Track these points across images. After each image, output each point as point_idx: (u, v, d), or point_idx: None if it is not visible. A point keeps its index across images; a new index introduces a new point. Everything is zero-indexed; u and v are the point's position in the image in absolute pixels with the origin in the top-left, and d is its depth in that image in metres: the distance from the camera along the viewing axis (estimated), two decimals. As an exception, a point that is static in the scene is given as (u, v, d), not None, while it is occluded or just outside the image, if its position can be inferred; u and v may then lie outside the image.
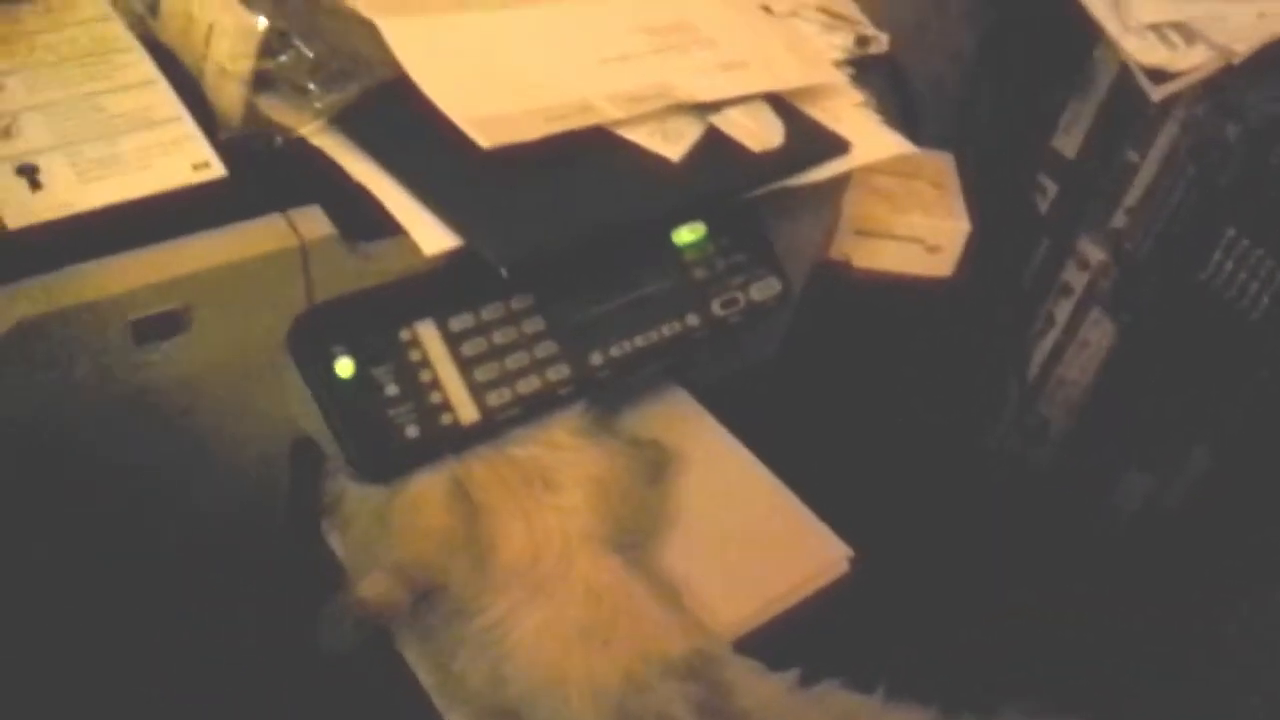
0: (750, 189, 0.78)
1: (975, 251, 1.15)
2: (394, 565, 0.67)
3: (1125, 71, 1.08)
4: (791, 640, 0.76)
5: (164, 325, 0.60)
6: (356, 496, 0.71)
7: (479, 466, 0.70)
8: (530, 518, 0.69)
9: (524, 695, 0.65)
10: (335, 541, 0.74)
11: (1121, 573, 1.13)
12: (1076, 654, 1.02)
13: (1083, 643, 1.04)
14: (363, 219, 0.65)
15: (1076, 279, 1.20)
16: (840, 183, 0.89)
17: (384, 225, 0.65)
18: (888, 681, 0.71)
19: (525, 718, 0.65)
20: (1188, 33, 1.01)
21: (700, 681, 0.66)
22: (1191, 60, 1.01)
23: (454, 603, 0.67)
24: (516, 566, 0.68)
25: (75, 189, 0.61)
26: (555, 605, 0.67)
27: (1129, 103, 1.11)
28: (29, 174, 0.61)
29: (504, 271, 0.63)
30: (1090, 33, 1.09)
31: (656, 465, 0.81)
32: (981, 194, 1.19)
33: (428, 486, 0.69)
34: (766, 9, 0.89)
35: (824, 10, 0.91)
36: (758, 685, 0.69)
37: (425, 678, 0.69)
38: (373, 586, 0.67)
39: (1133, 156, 1.13)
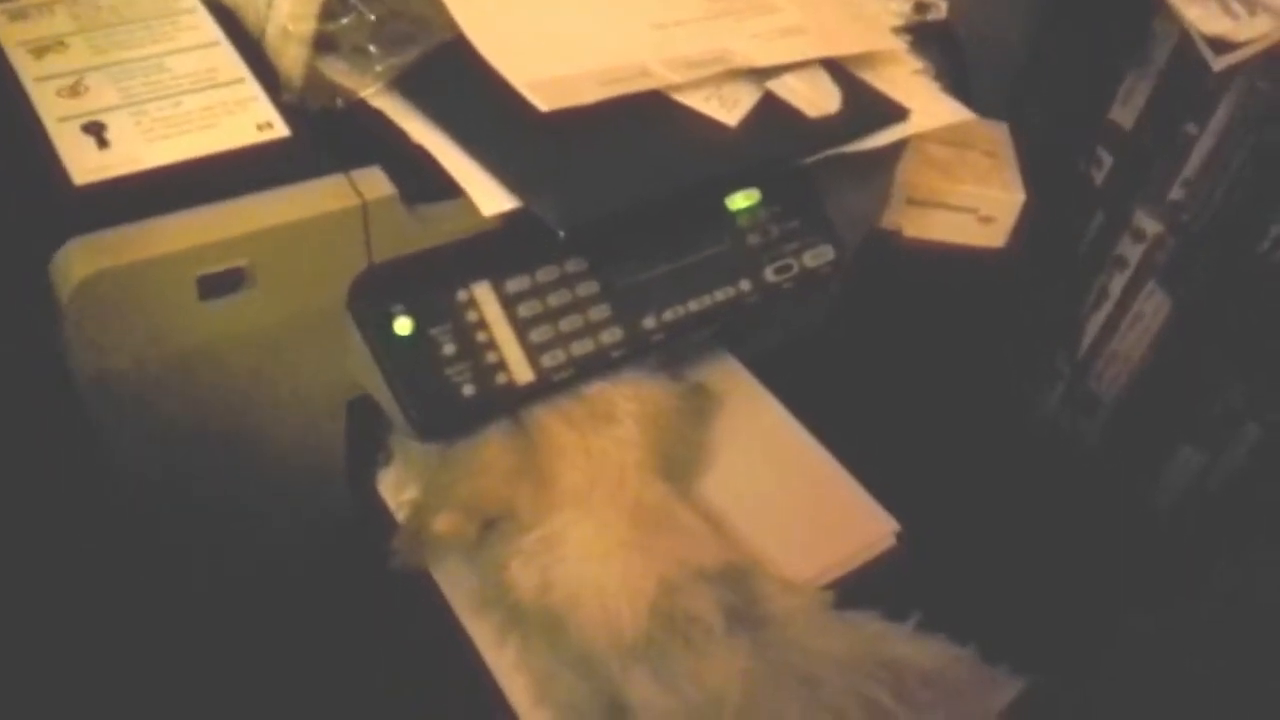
0: (806, 155, 0.77)
1: (1029, 223, 1.14)
2: (462, 501, 0.71)
3: (1184, 42, 1.06)
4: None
5: (228, 281, 0.61)
6: (420, 448, 0.74)
7: (539, 403, 0.73)
8: (590, 447, 0.73)
9: (567, 598, 0.68)
10: (388, 494, 0.76)
11: (1169, 549, 1.12)
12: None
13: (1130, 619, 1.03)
14: (422, 180, 0.65)
15: (1131, 252, 1.18)
16: (896, 150, 0.89)
17: (443, 187, 0.65)
18: (923, 616, 0.71)
19: (565, 620, 0.68)
20: (1250, 3, 0.99)
21: (731, 588, 0.69)
22: (1254, 30, 0.99)
23: (516, 525, 0.71)
24: (576, 492, 0.71)
25: (141, 146, 0.62)
26: (605, 520, 0.70)
27: (1188, 74, 1.10)
28: (96, 132, 0.62)
29: (561, 234, 0.64)
30: (1150, 2, 1.08)
31: (702, 408, 0.84)
32: (1037, 165, 1.18)
33: (490, 426, 0.72)
34: (824, -26, 0.88)
35: (882, -24, 0.90)
36: (787, 597, 0.71)
37: (457, 593, 0.72)
38: (445, 522, 0.70)
39: (1191, 128, 1.12)
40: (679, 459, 0.78)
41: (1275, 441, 1.10)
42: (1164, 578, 1.09)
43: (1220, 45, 1.01)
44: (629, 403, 0.75)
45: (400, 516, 0.74)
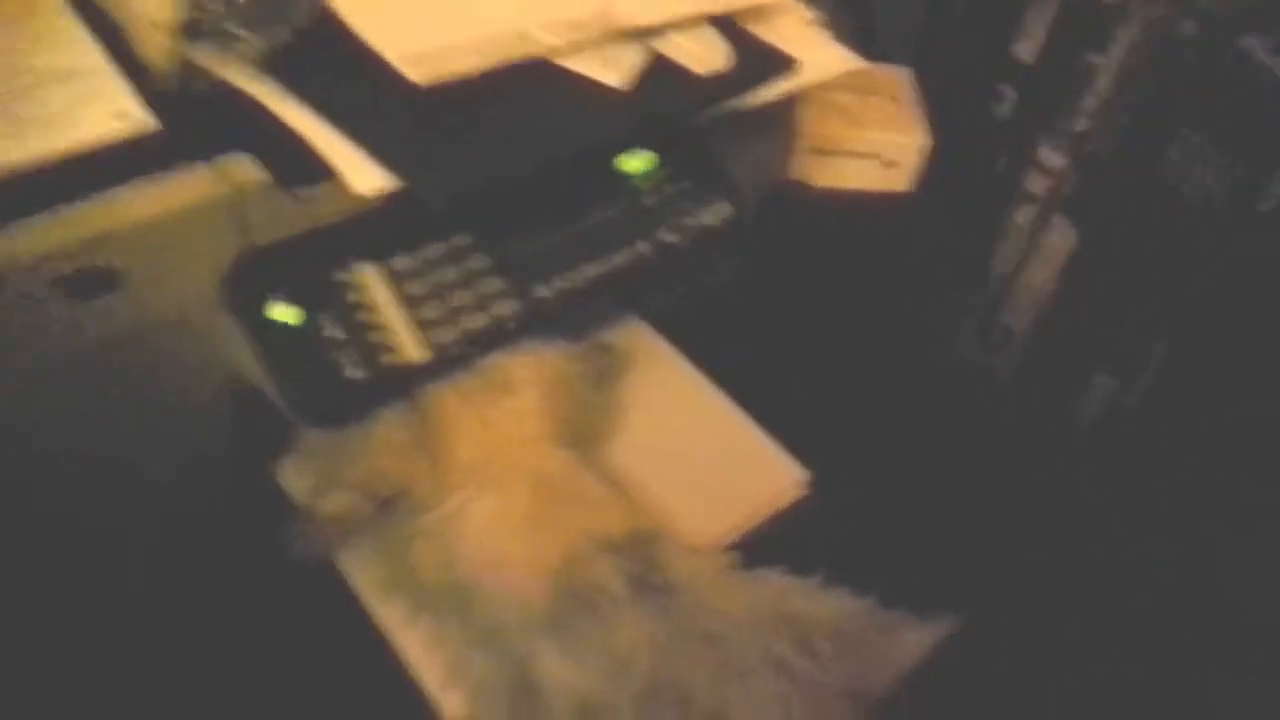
0: (696, 113, 0.77)
1: (936, 164, 1.14)
2: (354, 480, 0.70)
3: (1082, -28, 1.07)
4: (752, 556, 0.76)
5: (98, 281, 0.60)
6: (318, 434, 0.73)
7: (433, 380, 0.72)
8: (486, 420, 0.72)
9: (471, 575, 0.68)
10: (289, 482, 0.75)
11: (1087, 475, 1.15)
12: (1044, 561, 1.04)
13: (1049, 549, 1.05)
14: (297, 164, 0.64)
15: (1037, 185, 1.19)
16: (791, 102, 0.88)
17: (319, 169, 0.64)
18: (827, 570, 0.72)
19: (471, 597, 0.68)
20: (1140, -69, 0.99)
21: (634, 556, 0.69)
22: (1145, -41, 1.00)
23: (413, 503, 0.70)
24: (473, 465, 0.71)
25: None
26: (506, 495, 0.70)
27: (1087, 4, 1.10)
28: (-51, 134, 0.61)
29: (440, 209, 0.63)
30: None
31: (605, 369, 0.83)
32: (941, 106, 1.18)
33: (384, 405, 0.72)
34: (708, -74, 0.87)
35: (767, -75, 0.89)
36: (691, 560, 0.71)
37: (363, 578, 0.71)
38: (334, 503, 0.70)
39: (1093, 58, 1.12)
40: (582, 424, 0.78)
41: (1182, 358, 1.12)
42: (1085, 503, 1.12)
43: (1114, -26, 1.01)
44: (526, 371, 0.74)
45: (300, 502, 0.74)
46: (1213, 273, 1.06)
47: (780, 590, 0.71)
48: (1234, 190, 1.02)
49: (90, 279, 0.59)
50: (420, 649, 0.68)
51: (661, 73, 0.76)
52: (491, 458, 0.71)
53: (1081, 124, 1.15)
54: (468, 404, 0.72)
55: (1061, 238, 1.18)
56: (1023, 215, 1.21)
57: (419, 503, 0.70)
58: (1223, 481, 1.08)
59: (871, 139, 1.11)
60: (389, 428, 0.70)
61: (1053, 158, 1.17)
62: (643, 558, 0.69)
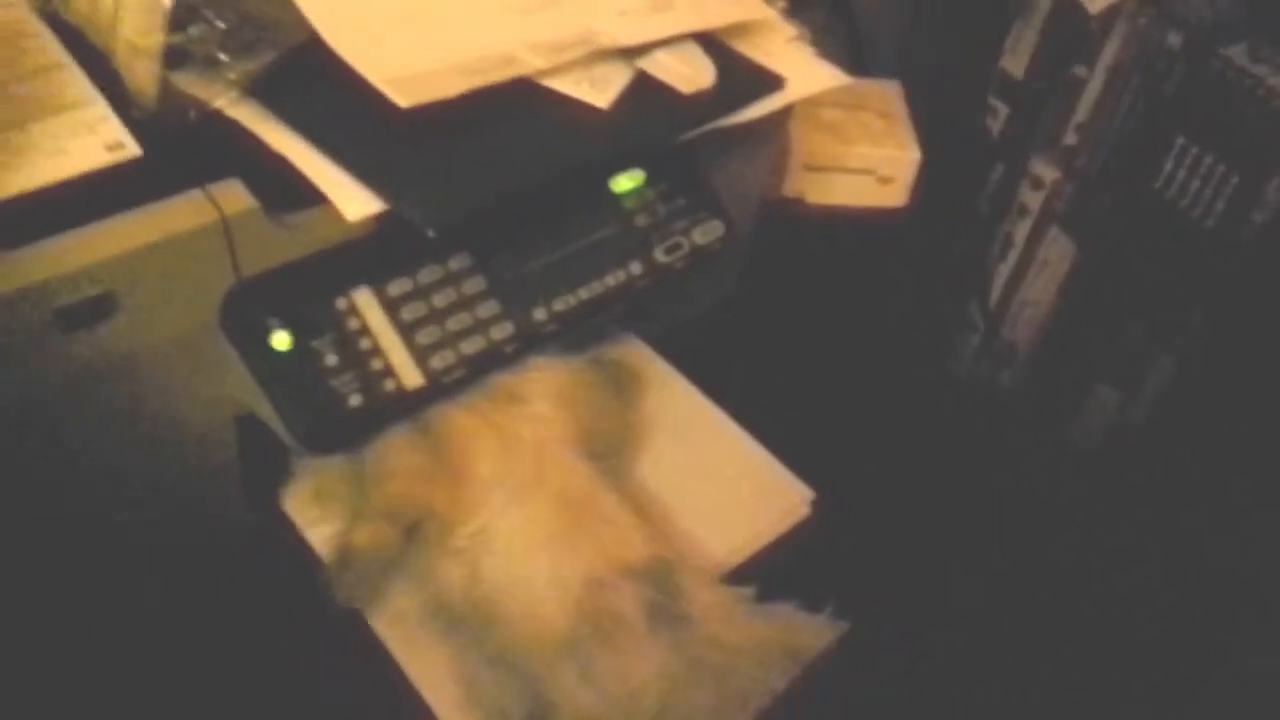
0: (683, 132, 0.76)
1: (929, 179, 1.14)
2: (377, 510, 0.69)
3: (1066, -15, 1.07)
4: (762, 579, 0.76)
5: (91, 310, 0.59)
6: (323, 461, 0.72)
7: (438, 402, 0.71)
8: (501, 430, 0.71)
9: (494, 592, 0.67)
10: (294, 511, 0.74)
11: (1093, 490, 1.14)
12: (1053, 580, 1.03)
13: (1059, 568, 1.04)
14: (286, 189, 0.63)
15: (1032, 199, 1.19)
16: (779, 119, 0.88)
17: (308, 194, 0.64)
18: (838, 603, 0.71)
19: (494, 614, 0.67)
20: (1123, -58, 1.00)
21: (654, 584, 0.68)
22: (1127, -30, 1.00)
23: (440, 523, 0.69)
24: (494, 477, 0.70)
25: (-12, 179, 0.60)
26: (530, 511, 0.69)
27: (1073, 17, 1.10)
28: (-60, 167, 0.60)
29: (430, 234, 0.62)
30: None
31: (620, 381, 0.82)
32: (933, 120, 1.18)
33: (390, 430, 0.70)
34: (692, -54, 0.87)
35: (752, -56, 0.89)
36: (707, 593, 0.70)
37: (394, 633, 0.69)
38: (362, 534, 0.69)
39: (1080, 71, 1.13)
40: (603, 433, 0.76)
41: (1187, 370, 1.11)
42: (1091, 518, 1.11)
43: (1097, -13, 1.02)
44: (535, 384, 0.73)
45: (310, 534, 0.72)
46: (1215, 283, 1.06)
47: (788, 625, 0.70)
48: (1231, 200, 1.02)
49: (85, 308, 0.58)
50: (442, 669, 0.67)
51: (648, 92, 0.76)
52: (512, 470, 0.69)
53: (1071, 137, 1.15)
54: (480, 418, 0.71)
55: (1058, 251, 1.18)
56: (1020, 229, 1.21)
57: (444, 524, 0.68)
58: (1230, 495, 1.08)
59: (864, 154, 1.11)
60: (402, 452, 0.69)
61: (1046, 171, 1.17)
62: (662, 586, 0.68)
